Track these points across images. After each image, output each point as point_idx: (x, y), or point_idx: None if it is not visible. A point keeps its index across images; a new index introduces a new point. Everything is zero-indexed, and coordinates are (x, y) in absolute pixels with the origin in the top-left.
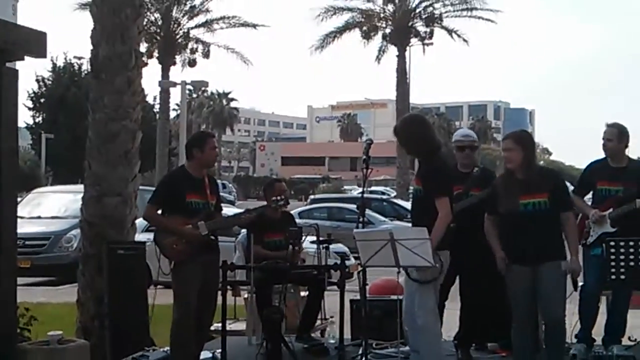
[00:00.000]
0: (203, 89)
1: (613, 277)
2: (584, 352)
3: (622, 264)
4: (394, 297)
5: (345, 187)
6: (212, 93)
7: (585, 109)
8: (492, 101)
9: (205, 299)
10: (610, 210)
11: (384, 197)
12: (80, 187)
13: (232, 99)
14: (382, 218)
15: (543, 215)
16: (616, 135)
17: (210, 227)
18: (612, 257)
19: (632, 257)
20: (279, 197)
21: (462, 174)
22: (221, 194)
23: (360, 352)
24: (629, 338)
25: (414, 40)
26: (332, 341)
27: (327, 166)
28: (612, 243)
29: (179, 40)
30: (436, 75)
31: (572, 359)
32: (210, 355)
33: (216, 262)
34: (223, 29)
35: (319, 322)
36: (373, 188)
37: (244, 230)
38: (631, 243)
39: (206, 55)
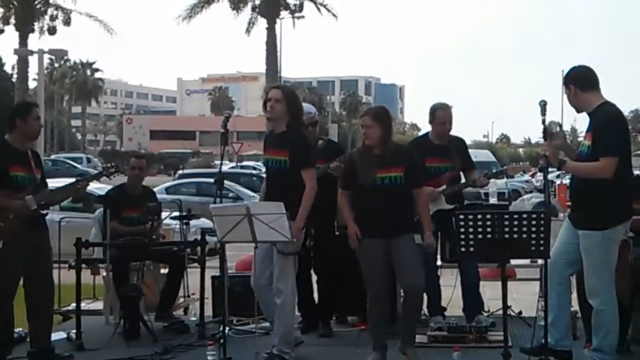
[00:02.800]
0: (65, 58)
1: (463, 249)
2: (442, 323)
3: (471, 236)
4: None
5: (216, 162)
6: (75, 63)
7: (451, 86)
8: (363, 76)
9: (34, 281)
10: (444, 187)
11: (254, 172)
12: None
13: (97, 69)
14: (252, 193)
15: (398, 189)
16: (452, 117)
17: (39, 200)
18: (462, 230)
19: (480, 229)
20: (109, 165)
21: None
22: (86, 168)
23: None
24: (483, 309)
25: (284, 13)
26: (193, 319)
27: (198, 140)
28: (462, 216)
29: (38, 7)
30: (309, 50)
31: (437, 330)
32: (65, 335)
33: (45, 240)
34: None
35: (181, 299)
36: (245, 163)
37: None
38: (479, 216)
39: (67, 22)
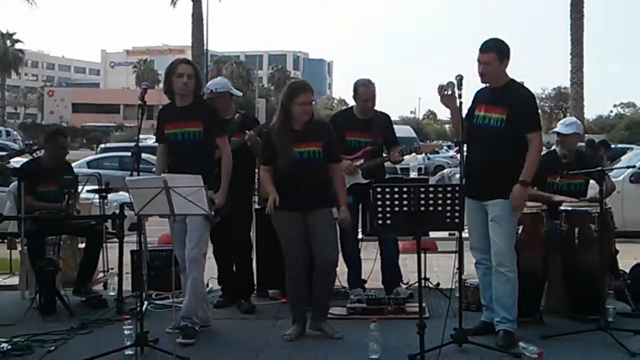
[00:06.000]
0: None
1: (380, 222)
2: (362, 295)
3: (388, 209)
4: None
5: (141, 136)
6: None
7: (379, 62)
8: (291, 51)
9: None
10: (362, 161)
11: None
12: None
13: (17, 40)
14: None
15: (317, 163)
16: (375, 93)
17: None
18: (379, 202)
19: (396, 202)
20: (32, 142)
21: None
22: (5, 142)
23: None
24: (401, 281)
25: None
26: (112, 293)
27: (122, 114)
28: (379, 189)
29: None
30: (237, 23)
31: (357, 303)
32: None
33: None
34: None
35: (101, 274)
36: None
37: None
38: (396, 189)
39: None
